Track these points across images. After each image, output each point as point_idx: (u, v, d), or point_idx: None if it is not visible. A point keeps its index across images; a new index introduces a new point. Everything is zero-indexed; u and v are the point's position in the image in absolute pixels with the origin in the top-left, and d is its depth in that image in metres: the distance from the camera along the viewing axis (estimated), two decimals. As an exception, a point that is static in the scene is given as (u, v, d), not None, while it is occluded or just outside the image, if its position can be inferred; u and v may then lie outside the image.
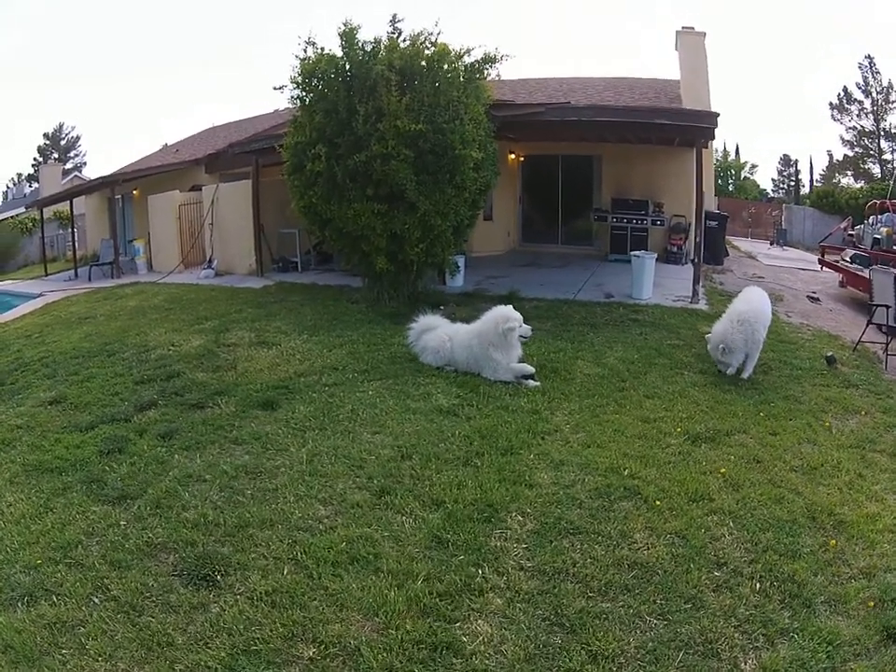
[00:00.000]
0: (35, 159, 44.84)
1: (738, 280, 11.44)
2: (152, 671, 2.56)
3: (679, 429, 4.79)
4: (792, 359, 6.76)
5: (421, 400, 5.29)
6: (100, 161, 68.94)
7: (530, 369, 5.83)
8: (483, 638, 2.70)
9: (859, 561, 3.27)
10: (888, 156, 35.51)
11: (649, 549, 3.29)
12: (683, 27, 14.39)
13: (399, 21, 8.68)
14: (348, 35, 8.40)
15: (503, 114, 9.46)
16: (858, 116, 35.90)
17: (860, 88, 35.59)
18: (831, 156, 39.47)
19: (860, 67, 35.46)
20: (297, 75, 8.68)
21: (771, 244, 20.80)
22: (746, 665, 2.60)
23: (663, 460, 4.29)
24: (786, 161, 44.32)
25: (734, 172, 40.72)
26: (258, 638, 2.69)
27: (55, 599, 2.96)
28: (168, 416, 5.09)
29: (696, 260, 9.77)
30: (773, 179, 45.00)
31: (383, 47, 8.44)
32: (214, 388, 5.67)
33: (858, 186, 30.30)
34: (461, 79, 8.51)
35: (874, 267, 8.99)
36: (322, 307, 8.89)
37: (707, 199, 11.37)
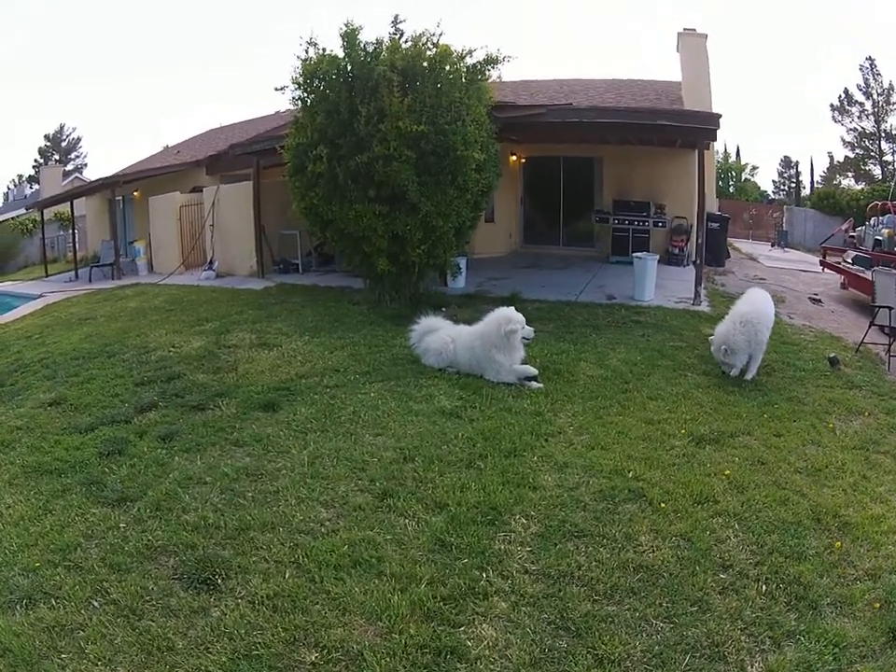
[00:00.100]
0: (35, 160, 44.98)
1: (740, 282, 11.43)
2: (152, 675, 2.53)
3: (682, 431, 4.77)
4: (795, 361, 6.74)
5: (423, 402, 5.27)
6: (100, 161, 69.09)
7: (533, 370, 5.80)
8: (488, 643, 2.67)
9: (864, 562, 3.26)
10: (888, 157, 35.57)
11: (654, 551, 3.27)
12: (685, 29, 14.39)
13: (400, 21, 8.68)
14: (350, 36, 8.38)
15: (505, 115, 9.45)
16: (859, 117, 35.94)
17: (860, 89, 35.64)
18: (831, 157, 39.55)
19: (860, 69, 35.54)
20: (298, 75, 8.67)
21: (772, 245, 20.81)
22: (752, 667, 2.58)
23: (667, 462, 4.26)
24: (787, 162, 44.30)
25: (734, 173, 40.67)
26: (259, 643, 2.66)
27: (54, 602, 2.93)
28: (168, 418, 5.06)
29: (698, 262, 9.74)
30: (773, 181, 45.08)
31: (384, 47, 8.42)
32: (214, 390, 5.64)
33: (859, 187, 30.31)
34: (463, 80, 8.49)
35: (876, 269, 8.98)
36: (323, 309, 8.86)
37: (708, 200, 11.37)
